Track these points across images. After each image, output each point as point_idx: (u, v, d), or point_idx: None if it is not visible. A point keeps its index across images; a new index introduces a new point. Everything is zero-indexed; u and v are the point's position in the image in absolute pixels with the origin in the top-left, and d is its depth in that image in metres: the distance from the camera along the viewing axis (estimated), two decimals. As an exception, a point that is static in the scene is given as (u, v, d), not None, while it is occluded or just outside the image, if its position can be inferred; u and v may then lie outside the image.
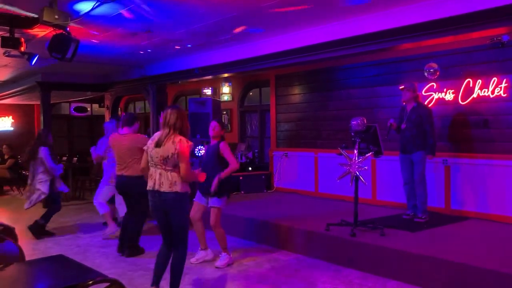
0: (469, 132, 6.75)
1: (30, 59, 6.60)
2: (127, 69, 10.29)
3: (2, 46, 5.94)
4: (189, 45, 7.55)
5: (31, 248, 6.25)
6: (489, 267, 4.36)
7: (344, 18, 5.91)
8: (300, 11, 5.62)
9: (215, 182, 5.32)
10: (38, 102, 12.81)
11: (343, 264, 5.46)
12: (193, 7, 5.42)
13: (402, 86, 6.46)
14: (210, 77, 9.60)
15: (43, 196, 7.17)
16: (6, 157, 12.45)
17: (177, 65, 8.91)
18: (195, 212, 5.60)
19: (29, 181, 7.27)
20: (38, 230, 7.11)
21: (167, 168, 4.25)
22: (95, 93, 12.77)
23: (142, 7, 5.31)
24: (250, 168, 9.94)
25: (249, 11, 5.57)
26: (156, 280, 4.47)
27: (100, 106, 15.15)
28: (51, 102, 11.62)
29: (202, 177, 4.90)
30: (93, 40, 7.05)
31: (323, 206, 7.77)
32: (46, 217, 7.23)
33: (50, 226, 7.45)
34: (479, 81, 6.59)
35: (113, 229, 6.93)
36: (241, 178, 9.28)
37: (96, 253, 6.22)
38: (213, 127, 5.51)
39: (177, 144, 4.20)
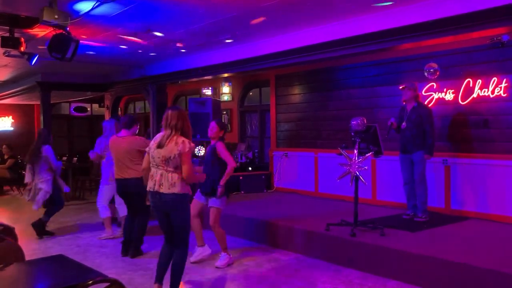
0: (469, 132, 6.75)
1: (30, 59, 6.61)
2: (127, 69, 10.29)
3: (2, 46, 5.95)
4: (189, 45, 7.56)
5: (31, 248, 6.24)
6: (489, 267, 4.36)
7: (344, 18, 5.91)
8: (300, 11, 5.62)
9: (219, 190, 5.36)
10: (38, 102, 12.81)
11: (343, 264, 5.46)
12: (193, 7, 5.42)
13: (403, 86, 6.46)
14: (210, 77, 9.61)
15: (48, 195, 7.19)
16: (6, 157, 12.45)
17: (177, 65, 8.91)
18: (191, 208, 5.61)
19: (27, 180, 7.22)
20: (41, 228, 7.12)
21: (168, 169, 4.26)
22: (95, 93, 12.78)
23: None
24: (250, 168, 9.93)
25: (249, 11, 5.57)
26: (159, 278, 4.50)
27: (100, 106, 15.15)
28: (51, 102, 11.63)
29: (202, 178, 4.92)
30: (93, 40, 7.05)
31: (323, 206, 7.77)
32: (49, 215, 7.25)
33: (50, 226, 7.45)
34: (479, 81, 6.59)
35: (109, 234, 6.96)
36: (241, 178, 9.28)
37: (96, 253, 6.22)
38: (211, 128, 5.53)
39: (180, 145, 4.21)
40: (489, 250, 5.00)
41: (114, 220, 7.25)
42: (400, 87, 6.52)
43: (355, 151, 5.75)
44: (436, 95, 7.06)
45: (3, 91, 13.06)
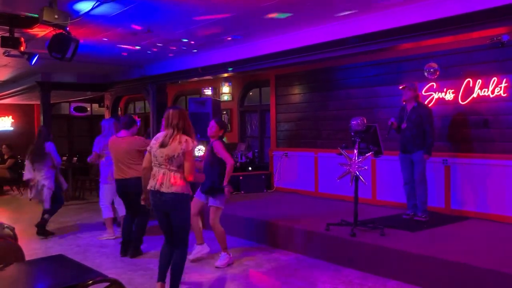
0: (469, 132, 6.75)
1: (30, 59, 6.61)
2: (127, 69, 10.29)
3: (2, 46, 5.94)
4: (188, 45, 7.55)
5: (31, 248, 6.24)
6: (489, 267, 4.36)
7: (344, 18, 5.90)
8: (300, 11, 5.62)
9: (226, 190, 5.37)
10: (38, 102, 12.81)
11: (343, 264, 5.46)
12: (193, 7, 5.42)
13: (403, 86, 6.46)
14: (210, 77, 9.60)
15: (51, 192, 7.20)
16: (6, 157, 12.45)
17: (177, 65, 8.91)
18: (192, 207, 5.63)
19: (27, 177, 7.17)
20: (44, 228, 7.13)
21: (171, 168, 4.28)
22: (95, 93, 12.77)
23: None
24: (250, 168, 9.93)
25: (249, 11, 5.57)
26: (162, 277, 4.51)
27: (100, 106, 15.15)
28: (51, 102, 11.63)
29: (202, 178, 4.93)
30: (93, 40, 7.05)
31: (323, 206, 7.77)
32: (51, 212, 7.26)
33: (50, 226, 7.45)
34: (479, 81, 6.59)
35: (110, 235, 6.96)
36: (241, 178, 9.28)
37: (96, 253, 6.22)
38: (211, 127, 5.55)
39: (184, 144, 4.25)
40: (489, 250, 5.00)
41: (114, 220, 7.24)
42: (400, 87, 6.52)
43: (355, 151, 5.75)
44: (436, 95, 7.06)
45: (3, 91, 13.05)
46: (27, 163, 7.21)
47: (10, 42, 5.89)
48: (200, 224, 5.82)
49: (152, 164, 4.40)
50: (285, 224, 6.36)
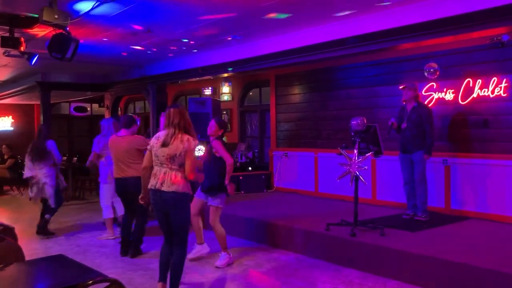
0: (469, 132, 6.75)
1: (30, 59, 6.61)
2: (127, 69, 10.29)
3: (2, 46, 5.94)
4: (188, 45, 7.55)
5: (31, 248, 6.24)
6: (489, 267, 4.36)
7: (344, 18, 5.91)
8: (300, 11, 5.62)
9: (229, 188, 5.41)
10: (38, 102, 12.81)
11: (343, 264, 5.46)
12: (193, 7, 5.42)
13: (403, 86, 6.46)
14: (210, 77, 9.60)
15: (54, 189, 7.20)
16: (6, 157, 12.45)
17: (177, 65, 8.91)
18: (192, 207, 5.65)
19: (28, 175, 7.14)
20: (44, 228, 7.13)
21: (173, 167, 4.29)
22: (95, 93, 12.78)
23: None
24: (250, 168, 9.93)
25: (249, 11, 5.57)
26: (163, 277, 4.52)
27: (100, 106, 15.15)
28: (51, 102, 11.63)
29: (201, 177, 4.94)
30: (93, 40, 7.05)
31: (323, 206, 7.77)
32: (52, 212, 7.25)
33: (50, 226, 7.43)
34: (479, 81, 6.59)
35: (110, 235, 6.96)
36: (241, 178, 9.28)
37: (96, 253, 6.22)
38: (210, 126, 5.57)
39: (186, 142, 4.27)
40: (489, 250, 5.00)
41: (114, 221, 7.24)
42: (400, 87, 6.52)
43: (355, 151, 5.75)
44: (436, 95, 7.06)
45: (3, 91, 13.05)
46: (27, 161, 7.18)
47: (10, 42, 5.89)
48: (201, 224, 5.82)
49: (153, 163, 4.40)
50: (285, 224, 6.36)
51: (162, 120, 5.29)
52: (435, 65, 6.63)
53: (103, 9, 5.35)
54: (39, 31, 6.25)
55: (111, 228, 7.03)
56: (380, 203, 7.73)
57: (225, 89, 11.36)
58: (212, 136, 5.56)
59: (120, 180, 5.98)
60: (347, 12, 5.67)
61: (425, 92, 7.12)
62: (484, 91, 6.53)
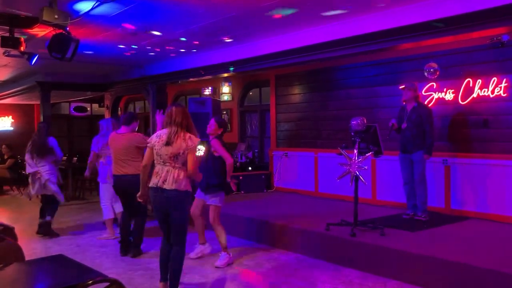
0: (469, 132, 6.75)
1: (30, 58, 6.61)
2: (127, 69, 10.29)
3: (2, 46, 5.94)
4: (188, 45, 7.55)
5: (31, 248, 6.24)
6: (489, 267, 4.36)
7: (344, 18, 5.90)
8: (300, 11, 5.61)
9: (232, 184, 5.46)
10: (38, 102, 12.81)
11: (343, 264, 5.46)
12: (193, 7, 5.42)
13: (403, 86, 6.46)
14: (210, 77, 9.60)
15: (57, 185, 7.20)
16: (5, 157, 12.44)
17: (177, 65, 8.91)
18: (194, 208, 5.70)
19: (31, 171, 7.09)
20: (48, 229, 7.12)
21: (176, 165, 4.31)
22: (95, 93, 12.77)
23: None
24: (250, 168, 9.94)
25: (249, 11, 5.57)
26: (164, 277, 4.54)
27: (100, 106, 15.16)
28: (51, 102, 11.62)
29: (199, 176, 4.96)
30: (93, 40, 7.04)
31: (323, 206, 7.77)
32: (53, 213, 7.24)
33: (50, 226, 7.46)
34: (479, 81, 6.59)
35: (110, 235, 6.96)
36: (241, 178, 9.28)
37: (96, 253, 6.22)
38: (210, 125, 5.59)
39: (188, 141, 4.31)
40: (489, 250, 5.00)
41: (114, 221, 7.24)
42: (400, 87, 6.52)
43: (355, 151, 5.75)
44: (436, 95, 7.06)
45: (3, 91, 13.05)
46: (27, 158, 7.12)
47: (10, 42, 5.89)
48: (203, 224, 5.83)
49: (155, 161, 4.41)
50: (285, 224, 6.36)
51: (158, 118, 5.31)
52: (435, 65, 6.62)
53: (103, 9, 5.35)
54: (39, 31, 6.25)
55: (111, 228, 7.03)
56: (380, 203, 7.72)
57: (225, 89, 11.36)
58: (211, 135, 5.58)
59: (119, 177, 5.98)
60: (346, 12, 5.66)
61: (425, 92, 7.12)
62: (484, 91, 6.53)
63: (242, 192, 9.26)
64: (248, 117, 11.30)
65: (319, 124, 9.01)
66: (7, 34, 5.86)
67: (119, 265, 5.65)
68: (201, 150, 7.93)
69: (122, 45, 7.48)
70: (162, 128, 4.56)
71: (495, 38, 6.03)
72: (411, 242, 5.31)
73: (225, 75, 9.64)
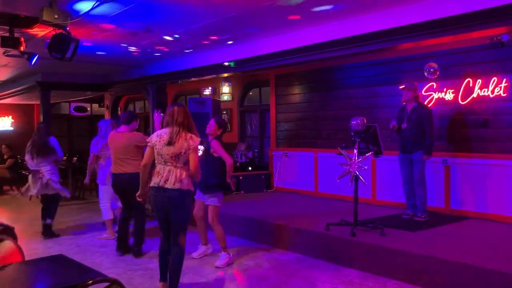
0: (468, 132, 6.75)
1: (29, 58, 6.60)
2: (127, 69, 10.29)
3: (2, 46, 5.94)
4: (188, 45, 7.55)
5: (31, 248, 6.24)
6: (489, 267, 4.36)
7: (344, 18, 5.90)
8: (299, 12, 5.62)
9: (231, 182, 5.49)
10: (38, 102, 12.82)
11: (343, 264, 5.46)
12: (193, 7, 5.42)
13: (403, 86, 6.46)
14: (210, 77, 9.60)
15: (59, 184, 7.19)
16: (5, 157, 12.44)
17: (177, 65, 8.91)
18: (198, 210, 5.72)
19: (33, 168, 7.07)
20: (49, 231, 7.13)
21: (177, 165, 4.33)
22: (95, 93, 12.78)
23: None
24: (250, 168, 9.94)
25: (249, 11, 5.57)
26: (164, 277, 4.54)
27: (100, 106, 15.16)
28: (51, 102, 11.62)
29: (200, 176, 4.98)
30: (93, 40, 7.05)
31: (323, 206, 7.77)
32: (53, 215, 7.23)
33: (50, 226, 7.46)
34: (479, 81, 6.59)
35: (110, 235, 6.96)
36: (241, 178, 9.28)
37: (96, 253, 6.22)
38: (209, 125, 5.61)
39: (190, 141, 4.33)
40: (489, 250, 5.00)
41: (114, 221, 7.24)
42: (400, 87, 6.52)
43: (355, 151, 5.75)
44: (436, 95, 7.06)
45: (3, 91, 13.05)
46: (28, 158, 7.09)
47: (10, 42, 5.89)
48: (206, 225, 5.84)
49: (156, 161, 4.41)
50: (285, 224, 6.36)
51: (156, 117, 5.32)
52: (435, 65, 6.62)
53: (103, 9, 5.35)
54: (39, 31, 6.25)
55: (111, 228, 7.03)
56: (380, 203, 7.73)
57: (225, 89, 11.37)
58: (210, 135, 5.58)
59: (118, 175, 5.97)
60: (346, 12, 5.66)
61: (425, 92, 7.12)
62: (484, 91, 6.53)
63: (242, 192, 9.26)
64: (248, 117, 11.30)
65: (319, 124, 9.01)
66: (7, 34, 5.86)
67: (119, 265, 5.65)
68: (200, 150, 7.94)
69: (122, 45, 7.48)
70: (162, 128, 4.57)
71: (495, 38, 6.03)
72: (411, 242, 5.32)
73: (225, 75, 9.64)
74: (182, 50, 7.99)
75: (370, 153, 5.75)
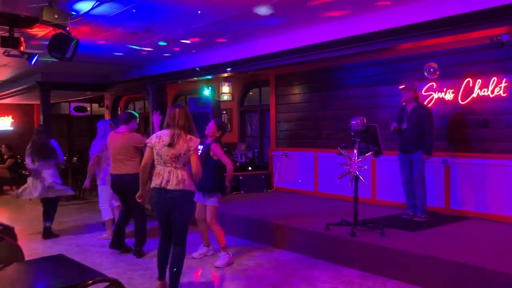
0: (468, 131, 6.75)
1: (29, 58, 6.61)
2: (127, 69, 10.29)
3: (2, 46, 5.94)
4: (188, 45, 7.55)
5: (31, 248, 6.24)
6: (489, 267, 4.36)
7: (344, 18, 5.90)
8: (300, 11, 5.62)
9: (227, 188, 5.56)
10: (38, 102, 12.81)
11: (343, 264, 5.46)
12: (193, 7, 5.42)
13: (403, 86, 6.46)
14: (210, 77, 9.61)
15: (61, 184, 7.19)
16: (5, 157, 12.44)
17: (177, 65, 8.91)
18: (199, 212, 5.70)
19: (33, 169, 7.03)
20: (49, 232, 7.12)
21: (177, 166, 4.34)
22: (95, 93, 12.78)
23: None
24: (250, 168, 9.94)
25: (249, 11, 5.57)
26: (162, 275, 4.54)
27: (100, 106, 15.17)
28: (51, 101, 11.62)
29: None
30: (93, 40, 7.04)
31: (323, 206, 7.77)
32: (52, 218, 7.22)
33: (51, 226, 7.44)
34: (479, 80, 6.59)
35: (110, 235, 6.94)
36: (241, 178, 9.29)
37: (96, 253, 6.23)
38: (209, 127, 5.61)
39: (189, 142, 4.34)
40: (489, 250, 5.00)
41: (114, 221, 7.23)
42: (400, 87, 6.52)
43: (355, 151, 5.75)
44: (436, 95, 7.06)
45: (3, 91, 13.05)
46: (28, 161, 7.05)
47: (10, 42, 5.89)
48: (207, 227, 5.82)
49: (155, 162, 4.42)
50: (285, 224, 6.36)
51: (155, 118, 5.31)
52: (435, 65, 6.62)
53: (103, 9, 5.35)
54: (39, 31, 6.25)
55: (111, 228, 7.02)
56: (380, 203, 7.73)
57: (225, 89, 11.37)
58: (210, 137, 5.57)
59: (116, 176, 5.97)
60: (346, 12, 5.67)
61: (425, 92, 7.12)
62: (484, 91, 6.53)
63: (242, 192, 9.26)
64: (248, 117, 11.30)
65: (319, 124, 9.01)
66: (7, 34, 5.86)
67: (119, 265, 5.65)
68: (199, 150, 7.95)
69: (122, 45, 7.47)
70: (161, 129, 4.58)
71: (495, 38, 6.03)
72: (411, 242, 5.32)
73: (225, 75, 9.64)
74: (182, 50, 7.99)
75: (370, 153, 5.75)
